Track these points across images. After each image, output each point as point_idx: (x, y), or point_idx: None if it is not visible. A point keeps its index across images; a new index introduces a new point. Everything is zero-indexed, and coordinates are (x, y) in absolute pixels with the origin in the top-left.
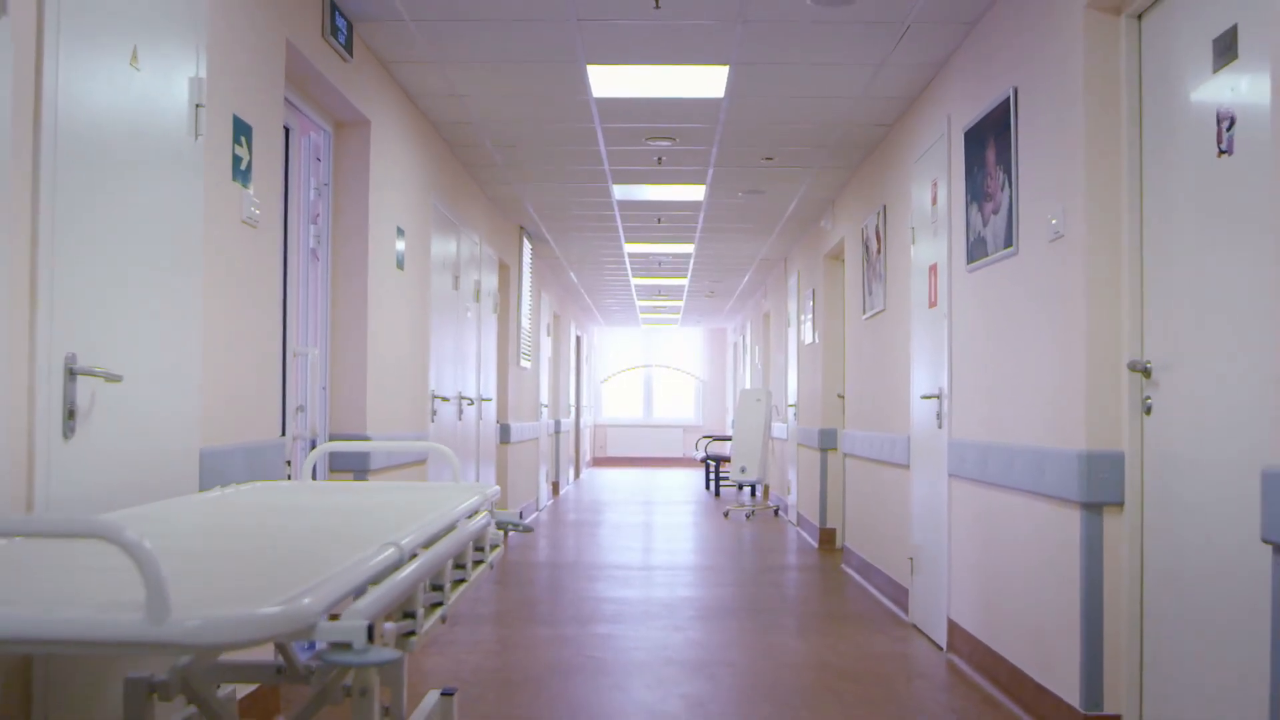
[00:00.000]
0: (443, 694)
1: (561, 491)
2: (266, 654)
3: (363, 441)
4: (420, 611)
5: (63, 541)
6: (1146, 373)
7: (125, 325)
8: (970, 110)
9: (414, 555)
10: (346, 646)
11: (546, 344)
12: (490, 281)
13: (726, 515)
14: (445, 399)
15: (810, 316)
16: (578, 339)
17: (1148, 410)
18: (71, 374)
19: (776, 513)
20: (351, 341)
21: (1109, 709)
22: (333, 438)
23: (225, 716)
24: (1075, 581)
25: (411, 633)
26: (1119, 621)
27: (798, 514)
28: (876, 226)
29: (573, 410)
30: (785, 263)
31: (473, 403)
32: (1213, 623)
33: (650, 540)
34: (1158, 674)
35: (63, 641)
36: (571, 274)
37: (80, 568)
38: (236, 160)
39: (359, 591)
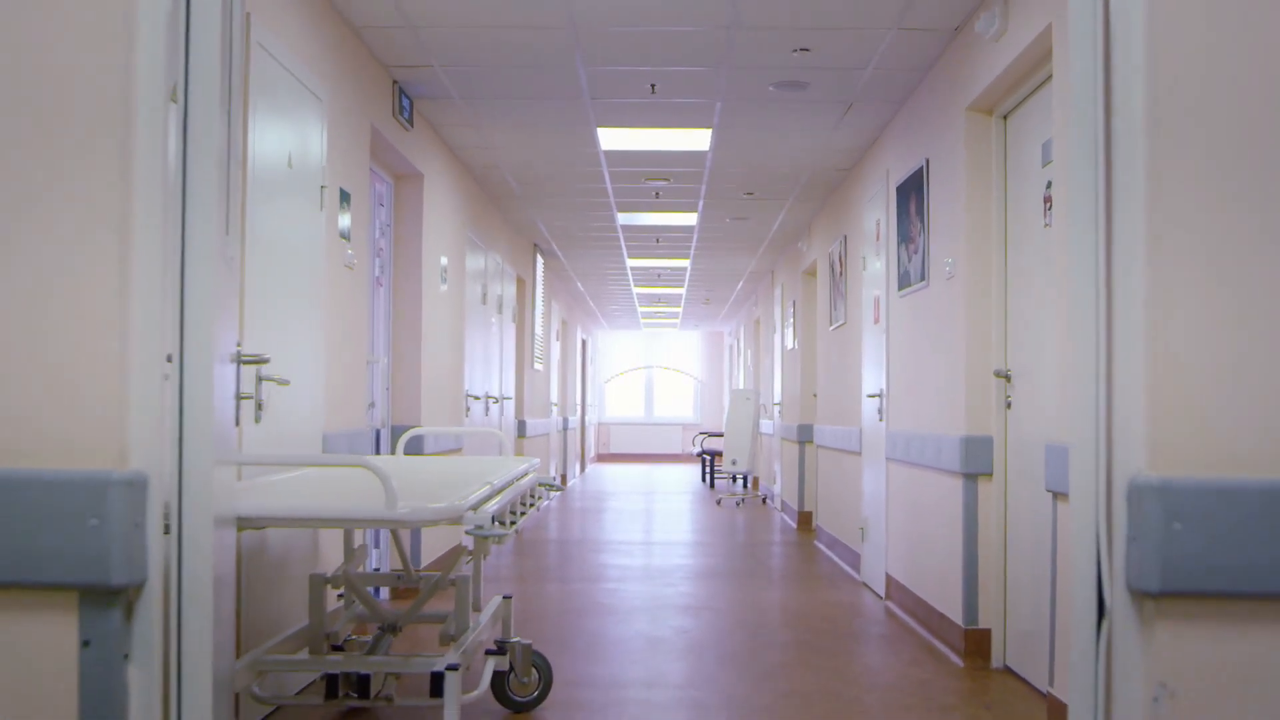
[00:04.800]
0: (504, 598)
1: (568, 484)
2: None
3: (418, 429)
4: (507, 522)
5: (296, 470)
6: (1007, 378)
7: (285, 343)
8: (900, 170)
9: (492, 497)
10: (479, 527)
11: (556, 348)
12: (509, 294)
13: (719, 503)
14: (476, 398)
15: (792, 324)
16: (583, 342)
17: (1008, 405)
18: (260, 379)
19: (764, 501)
20: (408, 352)
21: (983, 624)
22: (394, 429)
23: (370, 602)
24: (959, 531)
25: (503, 535)
26: (989, 559)
27: (781, 501)
28: (840, 252)
29: (578, 409)
30: (772, 274)
31: (497, 400)
32: (1045, 555)
33: (649, 523)
34: (1016, 595)
35: (344, 520)
36: (578, 283)
37: (314, 487)
38: (341, 221)
39: (476, 504)
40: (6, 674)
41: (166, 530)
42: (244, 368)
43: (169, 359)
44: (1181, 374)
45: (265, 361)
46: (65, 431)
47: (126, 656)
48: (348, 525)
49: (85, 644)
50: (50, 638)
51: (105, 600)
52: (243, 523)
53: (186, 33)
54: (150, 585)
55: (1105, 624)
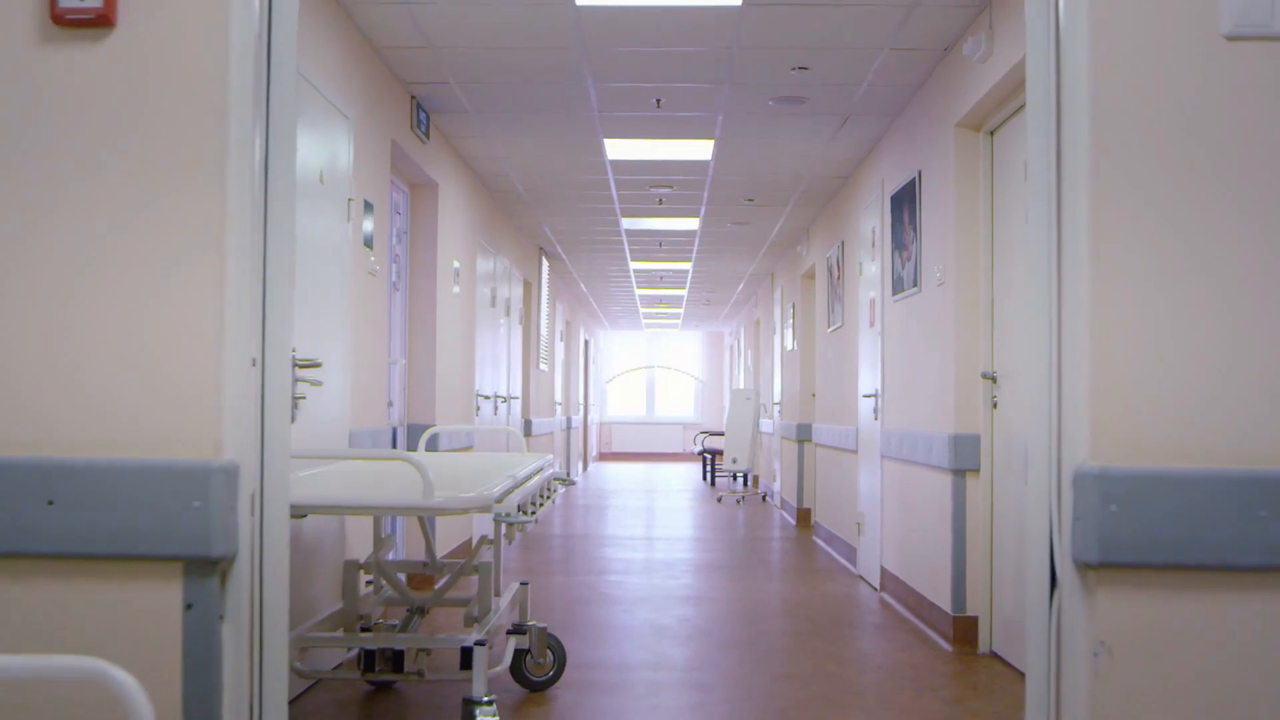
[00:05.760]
0: (521, 584)
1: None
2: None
3: (432, 427)
4: (529, 511)
5: (325, 465)
6: (994, 380)
7: (318, 346)
8: (895, 180)
9: (514, 489)
10: (506, 515)
11: (560, 349)
12: (516, 296)
13: (720, 501)
14: (486, 397)
15: (791, 326)
16: (586, 343)
17: (995, 405)
18: (296, 381)
19: (764, 498)
20: (424, 353)
21: (970, 611)
22: (409, 427)
23: (400, 586)
24: (948, 524)
25: (526, 522)
26: (976, 550)
27: (781, 498)
28: (837, 257)
29: (581, 408)
30: (772, 277)
31: (505, 400)
32: (1025, 546)
33: (651, 520)
34: (1001, 584)
35: (387, 508)
36: (582, 285)
37: (346, 479)
38: (365, 231)
39: (502, 495)
40: (124, 630)
41: (251, 512)
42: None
43: (253, 363)
44: (1119, 379)
45: (318, 365)
46: (172, 426)
47: (221, 617)
48: (390, 513)
49: (189, 606)
50: (160, 600)
51: (205, 570)
52: (295, 510)
53: (268, 82)
54: (241, 558)
55: (1056, 593)
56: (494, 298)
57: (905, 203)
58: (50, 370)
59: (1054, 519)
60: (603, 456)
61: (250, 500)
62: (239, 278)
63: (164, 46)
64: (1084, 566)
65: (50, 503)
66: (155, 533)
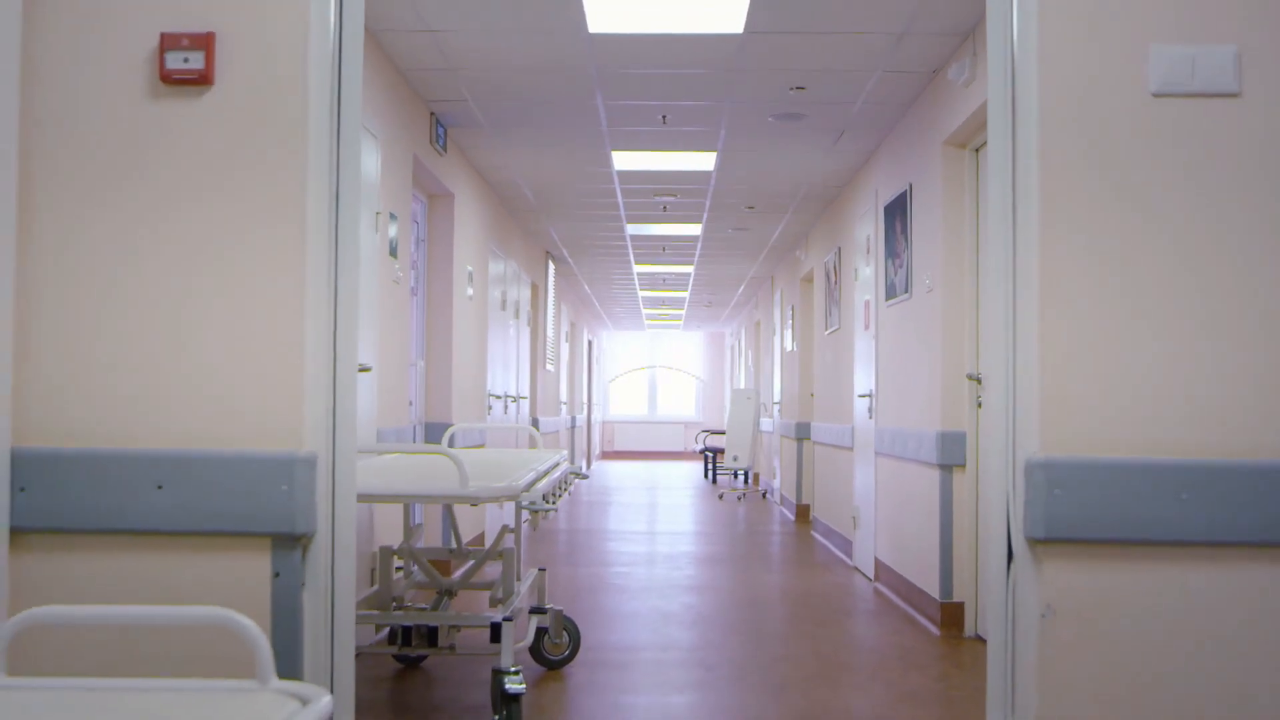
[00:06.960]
0: (539, 570)
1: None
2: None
3: (449, 426)
4: (551, 500)
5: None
6: (978, 381)
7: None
8: (888, 191)
9: (538, 480)
10: (533, 503)
11: (565, 349)
12: (524, 299)
13: (721, 498)
14: (498, 397)
15: (790, 328)
16: (589, 343)
17: (979, 405)
18: None
19: (764, 495)
20: (440, 356)
21: (957, 597)
22: (427, 425)
23: (430, 571)
24: (936, 516)
25: (549, 510)
26: (962, 540)
27: (780, 495)
28: (834, 263)
29: (585, 407)
30: (772, 280)
31: (514, 400)
32: None
33: (655, 515)
34: (985, 571)
35: (428, 496)
36: (586, 287)
37: (386, 471)
38: (390, 241)
39: (528, 485)
40: (223, 594)
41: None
42: None
43: (328, 368)
44: (1063, 383)
45: (368, 369)
46: (262, 422)
47: (302, 585)
48: (434, 501)
49: (276, 575)
50: (252, 570)
51: (290, 544)
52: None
53: (338, 129)
54: (319, 535)
55: (1012, 565)
56: (504, 300)
57: (897, 213)
58: (160, 375)
59: (1010, 502)
60: (605, 455)
61: (325, 486)
62: (317, 299)
63: (254, 100)
64: (1033, 542)
65: (160, 487)
66: (248, 513)
